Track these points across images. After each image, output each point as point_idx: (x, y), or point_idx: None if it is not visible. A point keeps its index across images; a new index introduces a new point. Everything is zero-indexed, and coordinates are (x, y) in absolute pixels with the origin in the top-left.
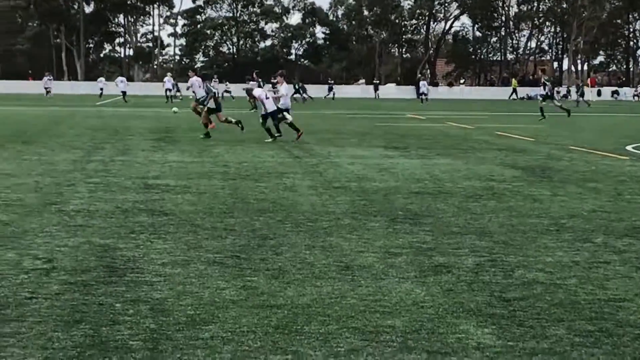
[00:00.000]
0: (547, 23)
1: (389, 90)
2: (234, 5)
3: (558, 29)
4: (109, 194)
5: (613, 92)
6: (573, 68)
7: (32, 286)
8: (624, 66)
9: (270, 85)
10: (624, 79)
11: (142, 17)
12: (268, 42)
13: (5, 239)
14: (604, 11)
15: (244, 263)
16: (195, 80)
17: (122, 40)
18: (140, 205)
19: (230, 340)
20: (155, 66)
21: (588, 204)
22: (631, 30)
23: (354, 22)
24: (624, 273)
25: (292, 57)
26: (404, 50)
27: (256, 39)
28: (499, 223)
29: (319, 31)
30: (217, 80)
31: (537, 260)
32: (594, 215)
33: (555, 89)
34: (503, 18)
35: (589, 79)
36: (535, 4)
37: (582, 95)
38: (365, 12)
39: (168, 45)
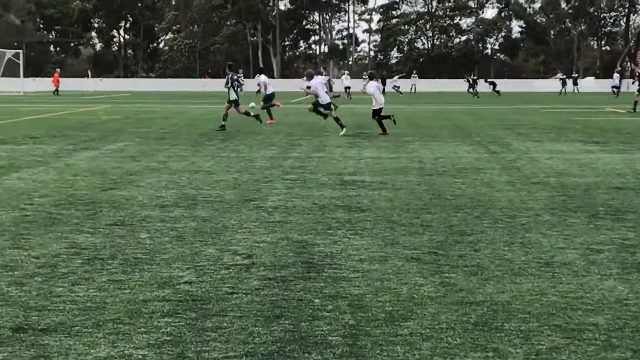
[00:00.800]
0: None
1: (588, 84)
2: (429, 0)
3: None
4: (305, 190)
5: None
6: None
7: (232, 281)
8: None
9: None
10: None
11: (337, 14)
12: (463, 37)
13: (205, 235)
14: None
15: (441, 259)
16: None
17: (317, 37)
18: (337, 201)
19: (429, 337)
20: (350, 63)
21: None
22: None
23: (551, 16)
24: None
25: (488, 51)
26: (603, 42)
27: (451, 34)
28: None
29: (515, 25)
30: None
31: None
32: None
33: None
34: None
35: None
36: None
37: None
38: (563, 5)
39: (363, 41)
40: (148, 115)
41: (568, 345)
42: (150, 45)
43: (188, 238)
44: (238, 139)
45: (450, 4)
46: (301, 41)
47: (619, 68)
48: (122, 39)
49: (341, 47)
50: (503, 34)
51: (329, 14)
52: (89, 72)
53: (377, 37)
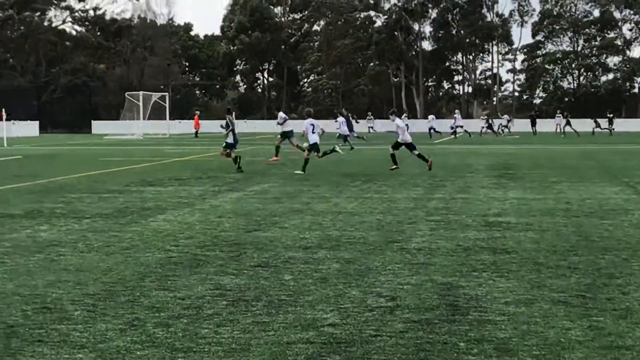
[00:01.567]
0: None
1: None
2: (575, 39)
3: None
4: (450, 231)
5: None
6: None
7: (376, 324)
8: None
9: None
10: None
11: (480, 54)
12: (610, 76)
13: (349, 277)
14: None
15: (589, 302)
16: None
17: (460, 77)
18: (482, 243)
19: None
20: (494, 102)
21: None
22: None
23: None
24: None
25: (636, 90)
26: None
27: (597, 73)
28: None
29: None
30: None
31: None
32: None
33: None
34: None
35: None
36: None
37: None
38: None
39: (507, 81)
40: (294, 156)
41: None
42: (294, 87)
43: (332, 280)
44: (381, 179)
45: (596, 43)
46: (444, 81)
47: None
48: (265, 81)
49: (485, 87)
50: None
51: (472, 54)
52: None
53: (522, 77)
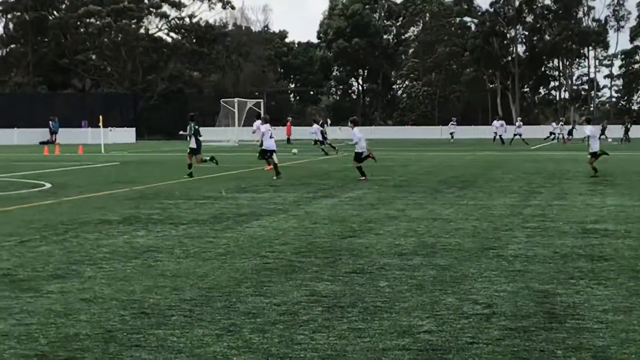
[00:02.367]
0: None
1: None
2: None
3: None
4: (546, 238)
5: None
6: None
7: (472, 331)
8: None
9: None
10: None
11: (577, 59)
12: None
13: (445, 284)
14: None
15: None
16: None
17: (557, 83)
18: (579, 250)
19: None
20: (591, 108)
21: None
22: None
23: None
24: None
25: None
26: None
27: None
28: None
29: None
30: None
31: None
32: None
33: None
34: None
35: None
36: None
37: None
38: None
39: (604, 86)
40: (386, 162)
41: None
42: (389, 94)
43: (427, 286)
44: (476, 186)
45: None
46: (541, 87)
47: None
48: (360, 87)
49: (582, 92)
50: None
51: (569, 60)
52: (328, 120)
53: (619, 82)
